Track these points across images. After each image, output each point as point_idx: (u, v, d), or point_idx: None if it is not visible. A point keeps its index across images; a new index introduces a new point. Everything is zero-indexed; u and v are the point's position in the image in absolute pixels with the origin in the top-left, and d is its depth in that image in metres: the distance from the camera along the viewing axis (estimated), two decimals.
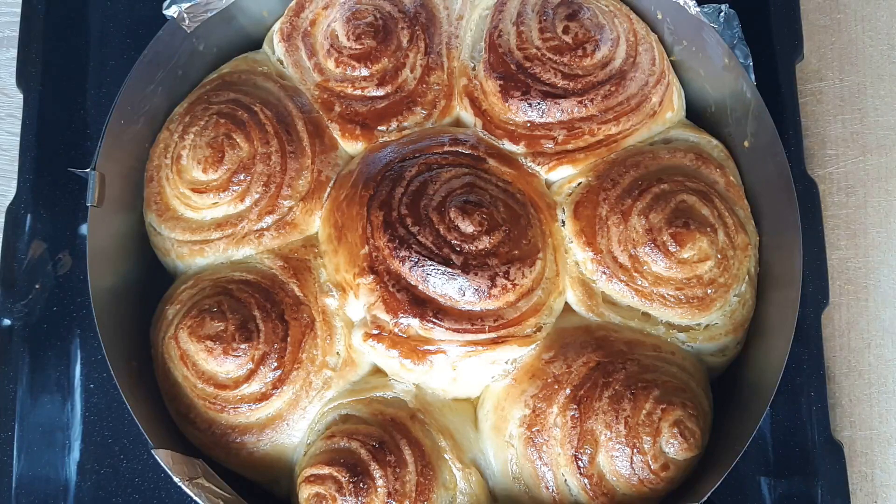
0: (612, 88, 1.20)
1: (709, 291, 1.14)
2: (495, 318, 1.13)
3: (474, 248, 1.13)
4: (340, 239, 1.18)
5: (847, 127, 1.37)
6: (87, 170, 1.16)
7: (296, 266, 1.20)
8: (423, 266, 1.12)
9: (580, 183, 1.20)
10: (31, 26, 1.33)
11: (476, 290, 1.12)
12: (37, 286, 1.27)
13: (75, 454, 1.23)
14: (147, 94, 1.22)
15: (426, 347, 1.14)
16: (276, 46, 1.28)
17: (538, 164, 1.21)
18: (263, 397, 1.15)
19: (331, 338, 1.18)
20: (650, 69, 1.22)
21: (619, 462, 1.08)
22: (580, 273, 1.18)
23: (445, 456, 1.13)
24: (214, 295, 1.16)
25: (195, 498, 1.07)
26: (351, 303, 1.18)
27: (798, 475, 1.20)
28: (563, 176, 1.22)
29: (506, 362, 1.16)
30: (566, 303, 1.18)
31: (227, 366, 1.14)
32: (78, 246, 1.28)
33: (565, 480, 1.11)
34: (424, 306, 1.13)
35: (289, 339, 1.16)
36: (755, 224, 1.19)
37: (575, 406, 1.10)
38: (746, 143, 1.20)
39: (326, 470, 1.08)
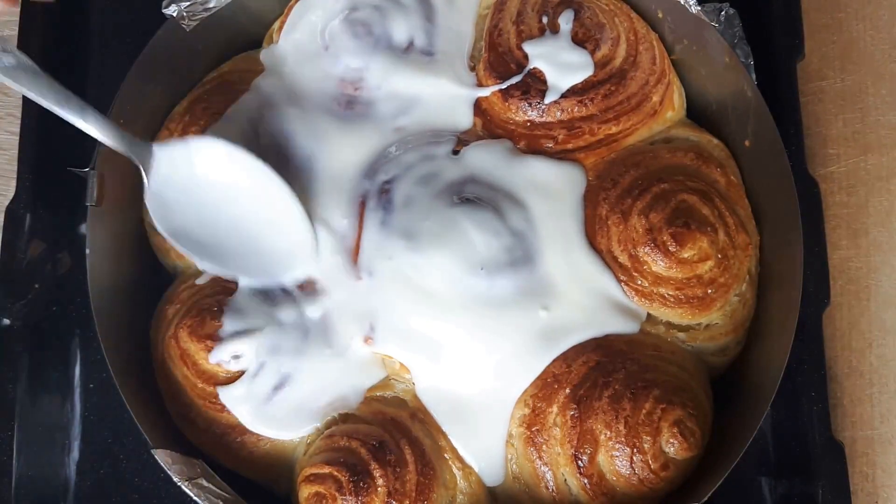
0: (613, 88, 1.19)
1: (709, 291, 1.13)
2: None
3: None
4: None
5: (848, 126, 1.37)
6: (87, 169, 1.16)
7: None
8: None
9: None
10: (30, 25, 1.33)
11: None
12: (36, 286, 1.26)
13: (75, 454, 1.23)
14: (146, 93, 1.22)
15: None
16: None
17: None
18: None
19: None
20: (651, 68, 1.22)
21: (618, 462, 1.08)
22: None
23: (445, 455, 1.13)
24: (214, 294, 1.16)
25: (195, 498, 1.07)
26: None
27: (799, 475, 1.20)
28: None
29: None
30: None
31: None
32: (77, 245, 1.28)
33: (565, 480, 1.10)
34: None
35: None
36: (756, 223, 1.19)
37: (575, 405, 1.10)
38: (747, 143, 1.20)
39: (326, 469, 1.08)
